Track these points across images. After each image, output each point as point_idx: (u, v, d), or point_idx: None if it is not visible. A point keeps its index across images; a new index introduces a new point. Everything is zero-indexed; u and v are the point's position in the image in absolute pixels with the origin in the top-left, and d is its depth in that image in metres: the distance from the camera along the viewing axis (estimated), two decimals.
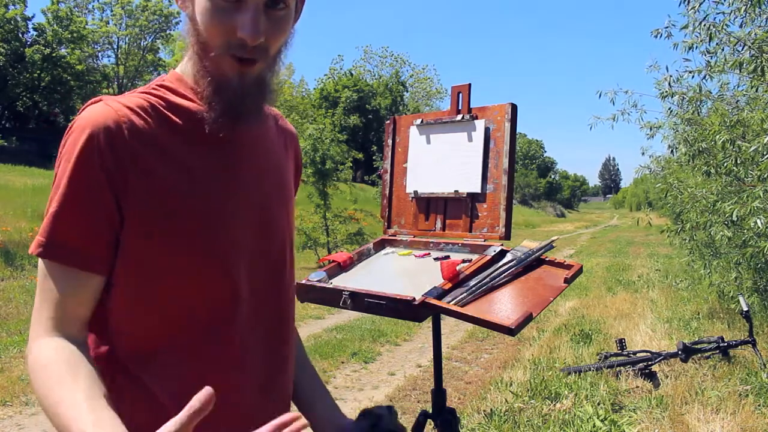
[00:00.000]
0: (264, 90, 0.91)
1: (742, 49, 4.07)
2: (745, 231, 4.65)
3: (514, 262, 1.29)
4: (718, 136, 4.07)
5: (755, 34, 3.96)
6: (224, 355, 0.92)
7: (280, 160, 1.05)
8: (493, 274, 1.26)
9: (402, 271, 1.42)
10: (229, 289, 0.91)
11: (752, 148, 3.74)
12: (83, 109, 0.87)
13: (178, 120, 0.89)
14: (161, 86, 0.93)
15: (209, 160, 0.91)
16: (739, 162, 4.09)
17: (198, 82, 0.90)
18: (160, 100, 0.90)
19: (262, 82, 0.90)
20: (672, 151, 6.41)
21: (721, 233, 4.83)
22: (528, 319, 1.11)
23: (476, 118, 1.43)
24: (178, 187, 0.86)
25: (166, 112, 0.89)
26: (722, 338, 4.55)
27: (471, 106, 1.45)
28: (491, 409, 3.77)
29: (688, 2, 4.25)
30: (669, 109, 5.56)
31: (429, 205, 1.51)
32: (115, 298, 0.87)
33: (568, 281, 1.23)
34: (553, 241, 1.37)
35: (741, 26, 4.20)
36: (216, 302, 0.91)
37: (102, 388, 0.77)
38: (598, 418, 3.49)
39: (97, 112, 0.84)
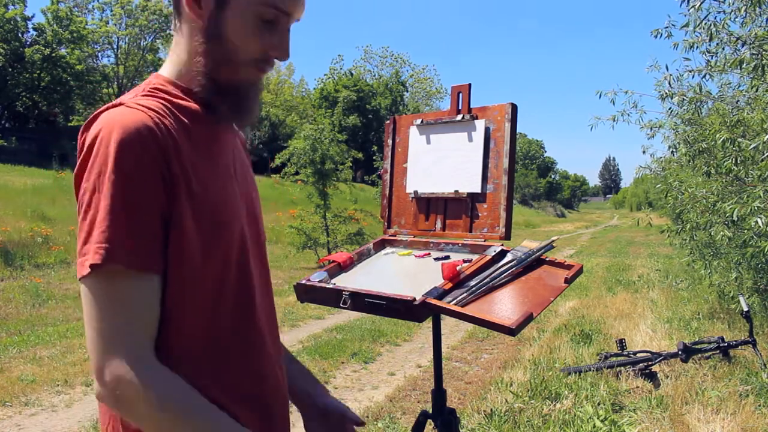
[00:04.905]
0: (258, 94, 1.00)
1: (743, 48, 4.06)
2: (745, 231, 4.64)
3: (514, 262, 1.29)
4: (718, 135, 4.06)
5: (755, 33, 3.96)
6: (256, 339, 0.98)
7: (244, 157, 1.10)
8: (494, 274, 1.26)
9: (402, 271, 1.42)
10: (247, 273, 0.97)
11: (752, 146, 3.74)
12: (101, 113, 0.87)
13: (186, 122, 0.91)
14: (158, 90, 0.94)
15: (211, 158, 0.94)
16: (739, 161, 4.08)
17: (198, 82, 0.94)
18: (168, 103, 0.92)
19: (258, 87, 0.99)
20: (672, 151, 6.41)
21: (721, 233, 4.82)
22: (528, 319, 1.10)
23: (476, 118, 1.42)
24: (195, 186, 0.88)
25: (176, 114, 0.91)
26: (722, 338, 4.55)
27: (471, 106, 1.44)
28: (491, 410, 3.76)
29: (688, 1, 4.25)
30: (669, 108, 5.56)
31: (429, 205, 1.51)
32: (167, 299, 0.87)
33: (568, 281, 1.22)
34: (553, 241, 1.37)
35: (741, 25, 4.20)
36: (240, 284, 0.95)
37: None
38: (598, 418, 3.49)
39: (131, 116, 0.84)
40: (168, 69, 0.97)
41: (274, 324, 1.06)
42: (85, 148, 0.84)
